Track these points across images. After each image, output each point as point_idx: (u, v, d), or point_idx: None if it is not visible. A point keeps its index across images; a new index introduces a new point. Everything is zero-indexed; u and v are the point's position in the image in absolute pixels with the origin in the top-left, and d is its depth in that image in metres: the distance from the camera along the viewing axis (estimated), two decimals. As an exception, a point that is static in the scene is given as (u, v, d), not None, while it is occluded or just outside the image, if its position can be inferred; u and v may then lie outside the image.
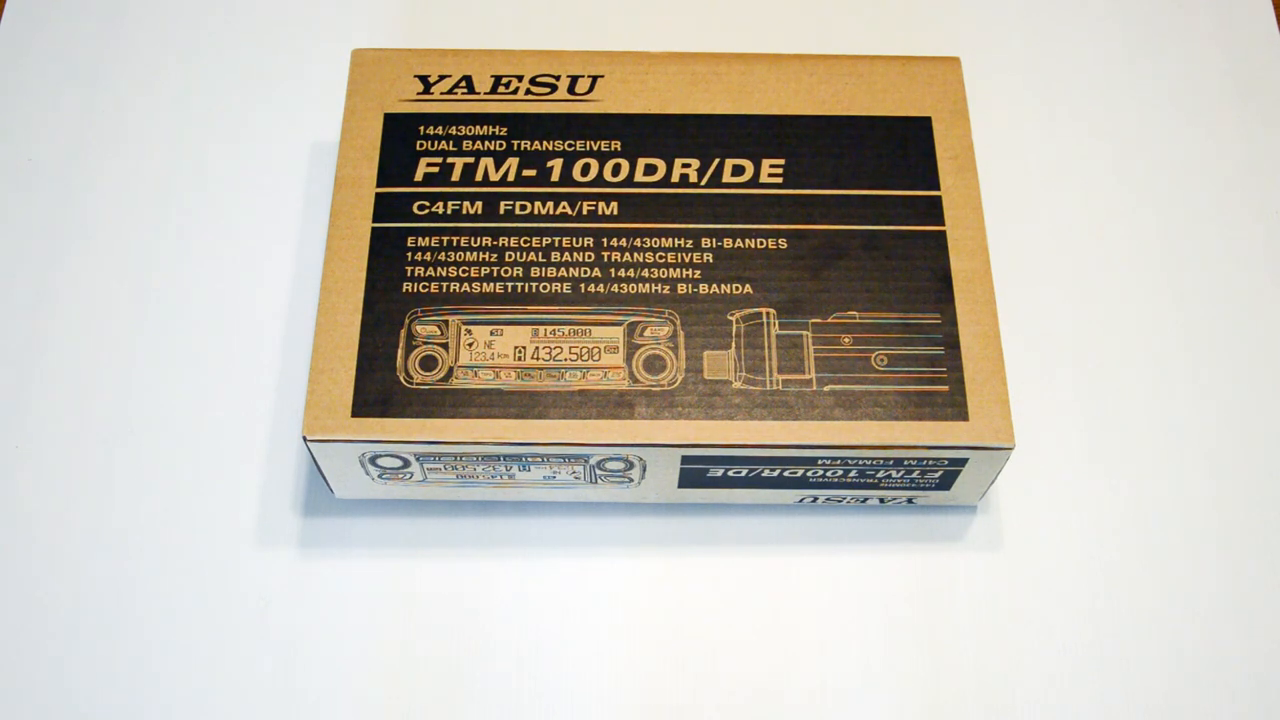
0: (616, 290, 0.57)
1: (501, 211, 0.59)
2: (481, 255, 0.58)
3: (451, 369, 0.55)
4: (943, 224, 0.58)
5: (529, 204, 0.59)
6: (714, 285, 0.57)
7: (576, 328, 0.56)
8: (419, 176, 0.59)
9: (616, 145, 0.60)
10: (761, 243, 0.58)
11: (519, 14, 0.72)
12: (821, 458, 0.55)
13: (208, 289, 0.65)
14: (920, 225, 0.58)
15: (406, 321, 0.56)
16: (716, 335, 0.56)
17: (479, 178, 0.59)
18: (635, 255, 0.58)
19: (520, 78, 0.62)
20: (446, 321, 0.56)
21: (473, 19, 0.72)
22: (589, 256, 0.58)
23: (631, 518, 0.60)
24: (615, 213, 0.59)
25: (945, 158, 0.60)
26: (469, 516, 0.60)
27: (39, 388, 0.62)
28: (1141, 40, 0.72)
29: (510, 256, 0.58)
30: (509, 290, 0.57)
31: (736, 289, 0.57)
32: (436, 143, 0.60)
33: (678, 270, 0.57)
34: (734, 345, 0.56)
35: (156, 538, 0.59)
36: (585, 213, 0.59)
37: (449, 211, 0.59)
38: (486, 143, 0.60)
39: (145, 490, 0.60)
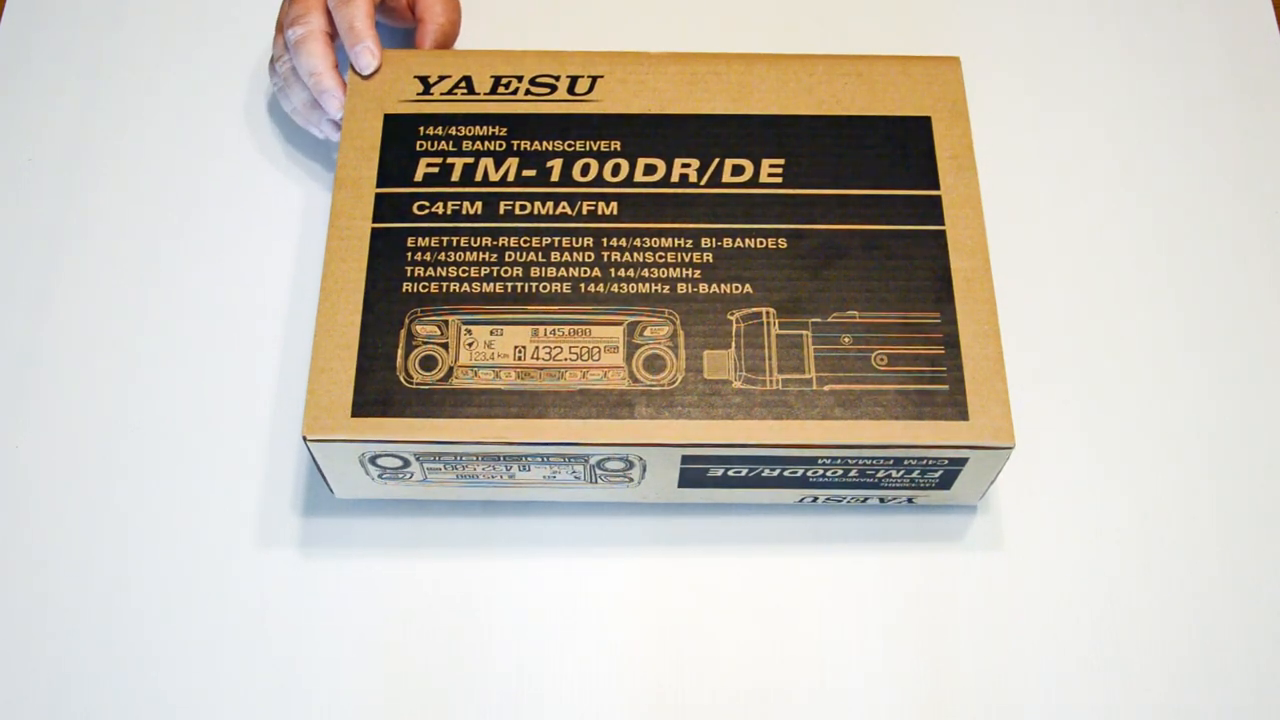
0: (616, 290, 0.57)
1: (501, 211, 0.59)
2: (481, 255, 0.58)
3: (451, 369, 0.55)
4: (943, 224, 0.58)
5: (529, 204, 0.59)
6: (714, 285, 0.57)
7: (576, 328, 0.56)
8: (419, 177, 0.59)
9: (616, 145, 0.60)
10: (761, 242, 0.58)
11: (519, 14, 0.72)
12: (821, 457, 0.55)
13: (208, 289, 0.65)
14: (920, 225, 0.58)
15: (406, 321, 0.56)
16: (716, 335, 0.56)
17: (479, 178, 0.59)
18: (635, 255, 0.58)
19: (520, 78, 0.62)
20: (446, 321, 0.56)
21: (473, 19, 0.72)
22: (589, 256, 0.58)
23: (631, 518, 0.60)
24: (615, 213, 0.59)
25: (945, 157, 0.60)
26: (469, 516, 0.60)
27: (39, 388, 0.62)
28: (1141, 40, 0.72)
29: (510, 256, 0.58)
30: (509, 290, 0.57)
31: (736, 289, 0.57)
32: (436, 143, 0.60)
33: (678, 270, 0.57)
34: (734, 345, 0.56)
35: (156, 538, 0.59)
36: (585, 213, 0.59)
37: (449, 212, 0.59)
38: (486, 143, 0.60)
39: (145, 490, 0.60)
